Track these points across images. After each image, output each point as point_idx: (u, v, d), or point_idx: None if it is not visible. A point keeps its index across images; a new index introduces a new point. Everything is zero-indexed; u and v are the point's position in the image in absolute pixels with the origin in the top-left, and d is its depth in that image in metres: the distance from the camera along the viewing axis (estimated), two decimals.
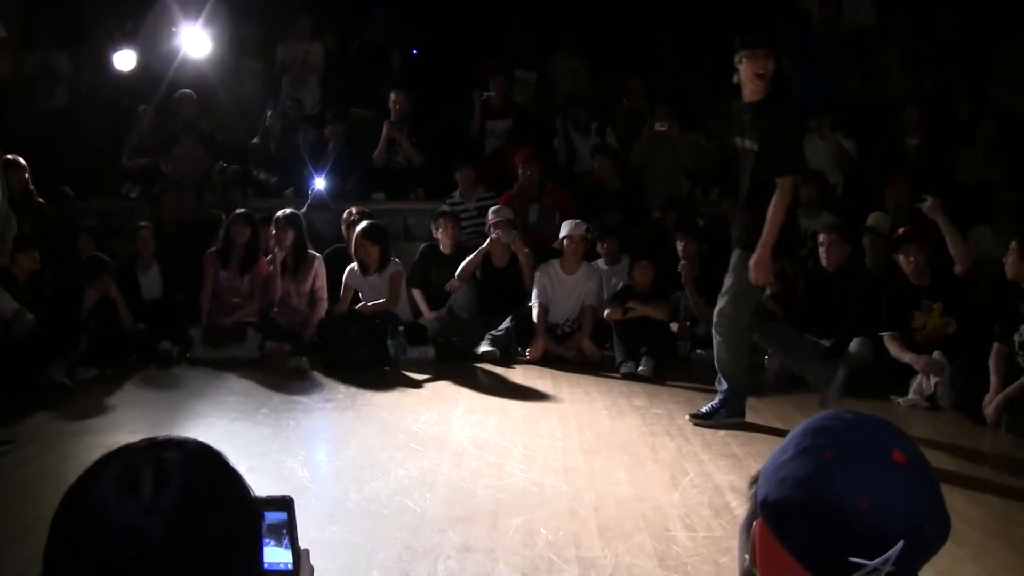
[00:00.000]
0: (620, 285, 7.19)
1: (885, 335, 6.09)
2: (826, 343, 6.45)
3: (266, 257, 7.45)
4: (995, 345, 5.45)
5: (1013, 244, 5.59)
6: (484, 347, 7.12)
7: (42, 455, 4.65)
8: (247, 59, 10.01)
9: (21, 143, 7.72)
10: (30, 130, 9.03)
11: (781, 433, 4.98)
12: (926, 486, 1.09)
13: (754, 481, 1.19)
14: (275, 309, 7.41)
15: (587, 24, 9.90)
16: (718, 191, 8.45)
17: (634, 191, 8.38)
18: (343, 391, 6.11)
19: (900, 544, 1.04)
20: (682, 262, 7.13)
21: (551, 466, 4.52)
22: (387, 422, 5.33)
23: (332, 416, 5.60)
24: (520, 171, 8.16)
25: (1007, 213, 7.08)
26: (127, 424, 5.30)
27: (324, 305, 7.41)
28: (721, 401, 5.29)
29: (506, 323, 7.25)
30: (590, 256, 7.49)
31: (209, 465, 1.07)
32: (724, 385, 5.28)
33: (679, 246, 7.19)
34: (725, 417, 5.25)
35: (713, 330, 5.29)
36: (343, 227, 7.90)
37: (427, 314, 7.50)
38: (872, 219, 7.25)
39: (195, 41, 8.96)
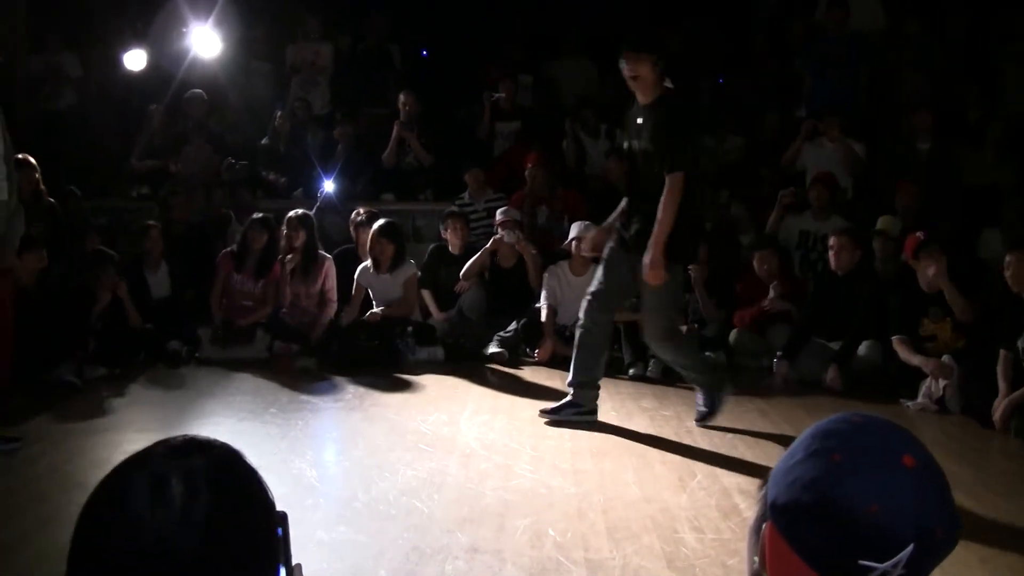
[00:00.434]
0: None
1: (894, 338, 6.07)
2: (835, 346, 6.47)
3: (279, 258, 7.46)
4: (1002, 352, 5.43)
5: (1009, 258, 5.54)
6: (493, 348, 7.13)
7: (49, 453, 4.66)
8: (256, 60, 10.03)
9: (30, 143, 7.74)
10: (39, 130, 9.05)
11: (790, 436, 4.97)
12: (936, 489, 1.09)
13: (764, 484, 1.19)
14: (284, 310, 7.43)
15: (593, 25, 9.89)
16: (727, 194, 8.45)
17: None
18: (351, 391, 6.12)
19: (910, 547, 1.03)
20: (691, 265, 7.12)
21: (559, 467, 4.52)
22: (395, 423, 5.33)
23: (340, 416, 5.61)
24: (527, 174, 8.18)
25: (1016, 215, 7.06)
26: (135, 423, 5.32)
27: (334, 307, 7.42)
28: (707, 401, 5.32)
29: (514, 324, 7.25)
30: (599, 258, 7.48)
31: (235, 469, 1.06)
32: (701, 392, 5.36)
33: None
34: (715, 414, 5.31)
35: (658, 354, 5.38)
36: (351, 227, 7.92)
37: (436, 315, 7.51)
38: (882, 222, 7.23)
39: (205, 41, 8.98)
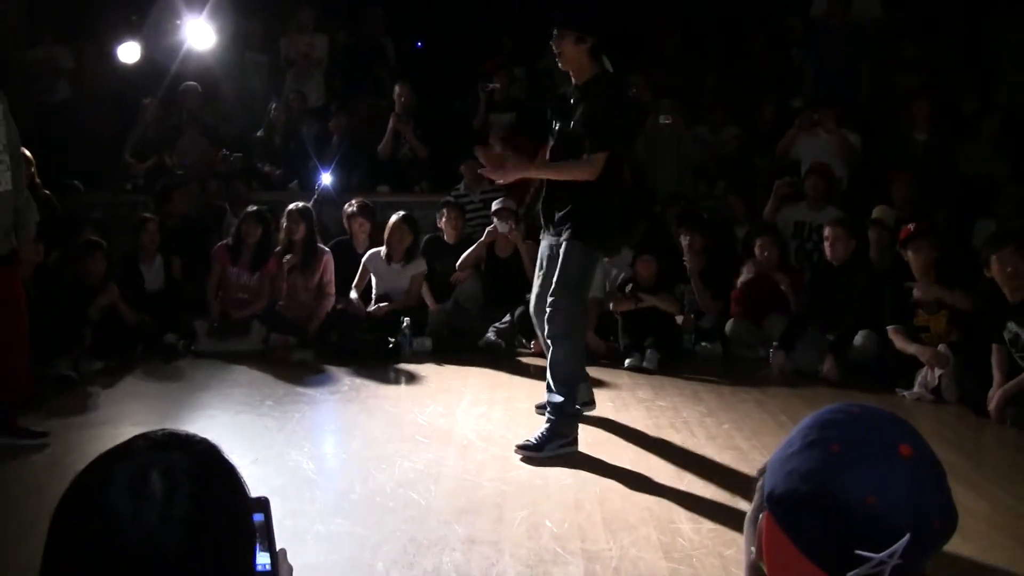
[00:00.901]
0: (621, 278, 7.20)
1: (890, 328, 6.07)
2: (831, 337, 6.48)
3: (276, 251, 7.45)
4: (994, 346, 5.44)
5: (993, 258, 5.48)
6: (489, 339, 7.14)
7: (48, 447, 4.65)
8: (251, 52, 10.02)
9: (25, 137, 7.71)
10: (34, 124, 9.02)
11: (786, 426, 4.99)
12: (933, 480, 1.09)
13: (761, 474, 1.19)
14: (280, 302, 7.42)
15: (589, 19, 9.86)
16: (723, 185, 8.46)
17: (640, 185, 8.37)
18: (348, 383, 6.12)
19: (907, 537, 1.04)
20: (687, 255, 7.14)
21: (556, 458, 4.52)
22: (392, 414, 5.33)
23: (337, 408, 5.61)
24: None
25: (1011, 206, 7.06)
26: (132, 416, 5.31)
27: (331, 299, 7.41)
28: (542, 435, 4.59)
29: (510, 315, 7.25)
30: None
31: (214, 466, 1.06)
32: (556, 399, 4.66)
33: (684, 240, 7.20)
34: (558, 447, 4.55)
35: (546, 332, 4.73)
36: (344, 219, 7.91)
37: (432, 305, 7.51)
38: (877, 212, 7.24)
39: (199, 34, 8.97)
